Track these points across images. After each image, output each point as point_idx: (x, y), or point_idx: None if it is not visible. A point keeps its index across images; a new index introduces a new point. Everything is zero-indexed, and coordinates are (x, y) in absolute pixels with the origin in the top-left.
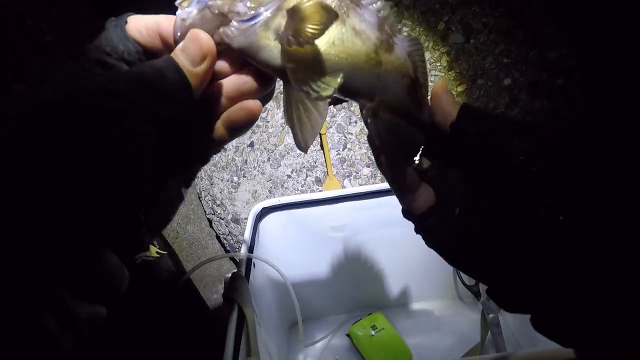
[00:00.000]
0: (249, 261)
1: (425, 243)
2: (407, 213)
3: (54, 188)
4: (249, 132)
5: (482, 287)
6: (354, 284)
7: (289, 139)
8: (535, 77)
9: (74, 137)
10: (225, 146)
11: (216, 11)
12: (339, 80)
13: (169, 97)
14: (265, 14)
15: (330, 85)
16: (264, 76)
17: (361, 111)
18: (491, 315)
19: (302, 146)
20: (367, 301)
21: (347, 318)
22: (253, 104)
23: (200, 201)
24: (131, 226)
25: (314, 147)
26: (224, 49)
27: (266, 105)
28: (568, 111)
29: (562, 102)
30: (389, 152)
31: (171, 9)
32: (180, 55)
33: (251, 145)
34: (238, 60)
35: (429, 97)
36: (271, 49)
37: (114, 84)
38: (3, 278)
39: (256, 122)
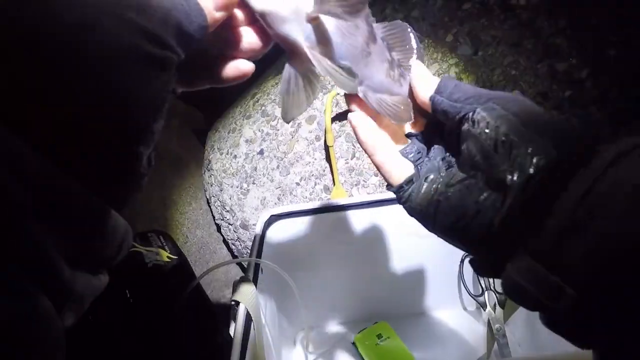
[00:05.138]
0: (256, 267)
1: (408, 213)
2: (388, 186)
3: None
4: (258, 140)
5: (488, 298)
6: (360, 292)
7: (298, 147)
8: (544, 89)
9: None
10: (235, 153)
11: None
12: (346, 64)
13: (191, 38)
14: None
15: (340, 68)
16: (267, 38)
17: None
18: (497, 326)
19: (285, 117)
20: (372, 310)
21: (353, 326)
22: (246, 66)
23: (210, 206)
24: (136, 164)
25: (323, 155)
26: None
27: (276, 114)
28: (578, 123)
29: (572, 113)
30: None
31: None
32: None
33: (261, 152)
34: (251, 15)
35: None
36: (291, 21)
37: (154, 26)
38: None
39: (266, 130)
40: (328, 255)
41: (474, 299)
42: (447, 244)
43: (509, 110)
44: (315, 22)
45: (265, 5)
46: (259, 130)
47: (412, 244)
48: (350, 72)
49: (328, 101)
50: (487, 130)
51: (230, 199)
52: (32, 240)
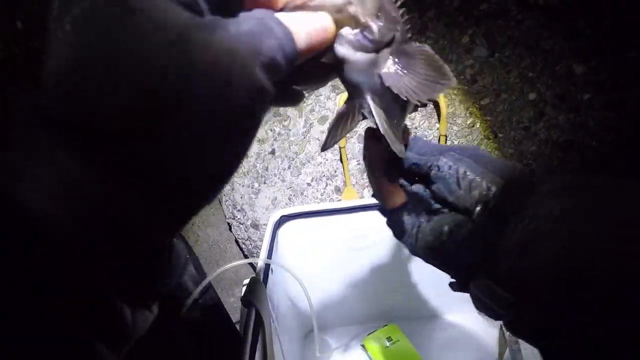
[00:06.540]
0: (266, 267)
1: (393, 234)
2: (381, 210)
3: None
4: (270, 140)
5: None
6: (370, 294)
7: (310, 148)
8: (561, 91)
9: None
10: (247, 152)
11: (351, 12)
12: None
13: (280, 73)
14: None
15: (394, 129)
16: (327, 76)
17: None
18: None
19: (325, 147)
20: (382, 313)
21: (362, 329)
22: (301, 95)
23: (221, 205)
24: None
25: (335, 156)
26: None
27: (288, 114)
28: (595, 126)
29: (589, 117)
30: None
31: None
32: (302, 35)
33: (272, 152)
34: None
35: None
36: (365, 73)
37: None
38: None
39: (278, 130)
40: (338, 257)
41: None
42: None
43: (464, 154)
44: (383, 85)
45: (346, 53)
46: (271, 130)
47: None
48: (401, 130)
49: (340, 101)
50: (450, 171)
51: (241, 198)
52: (95, 290)
